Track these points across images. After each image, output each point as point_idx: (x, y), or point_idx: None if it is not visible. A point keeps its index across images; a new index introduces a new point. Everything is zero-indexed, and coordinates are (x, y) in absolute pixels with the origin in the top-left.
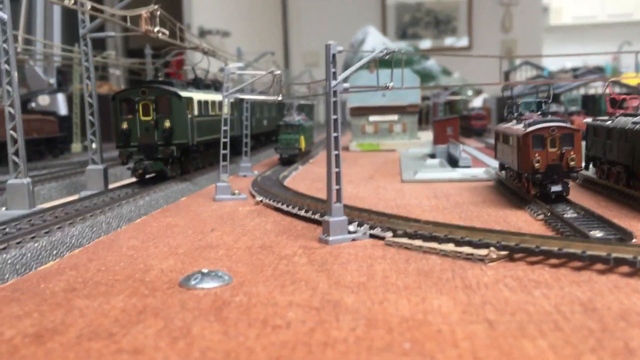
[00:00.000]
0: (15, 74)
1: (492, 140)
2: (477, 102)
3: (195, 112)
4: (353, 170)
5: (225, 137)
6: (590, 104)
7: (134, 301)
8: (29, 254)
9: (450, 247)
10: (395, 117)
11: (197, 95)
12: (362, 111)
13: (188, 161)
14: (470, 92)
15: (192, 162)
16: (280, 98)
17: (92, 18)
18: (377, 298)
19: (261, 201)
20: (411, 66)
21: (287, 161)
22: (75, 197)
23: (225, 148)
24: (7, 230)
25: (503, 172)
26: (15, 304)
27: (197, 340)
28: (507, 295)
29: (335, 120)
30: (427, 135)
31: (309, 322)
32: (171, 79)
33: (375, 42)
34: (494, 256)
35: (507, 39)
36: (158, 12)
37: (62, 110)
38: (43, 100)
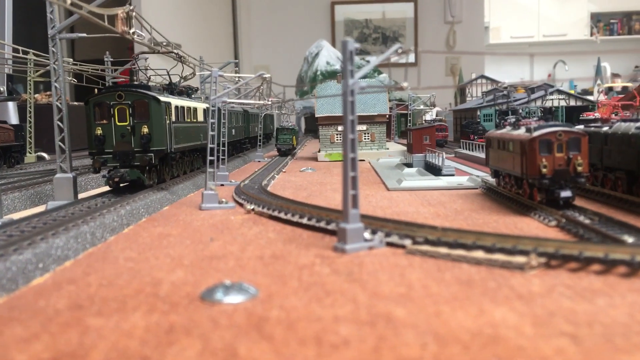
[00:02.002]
0: None
1: (461, 150)
2: (428, 115)
3: (173, 118)
4: (333, 179)
5: (212, 142)
6: (547, 116)
7: (156, 319)
8: (15, 268)
9: (480, 254)
10: (363, 127)
11: (175, 101)
12: (331, 120)
13: (164, 169)
14: (421, 105)
15: (168, 171)
16: (269, 102)
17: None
18: (430, 310)
19: (253, 209)
20: (366, 79)
21: (284, 153)
22: (41, 207)
23: (212, 154)
24: None
25: (494, 179)
26: (17, 325)
27: None
28: (570, 306)
29: (352, 121)
30: (392, 146)
31: (370, 339)
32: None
33: (330, 55)
34: (535, 264)
35: (451, 55)
36: (134, 13)
37: (13, 119)
38: None
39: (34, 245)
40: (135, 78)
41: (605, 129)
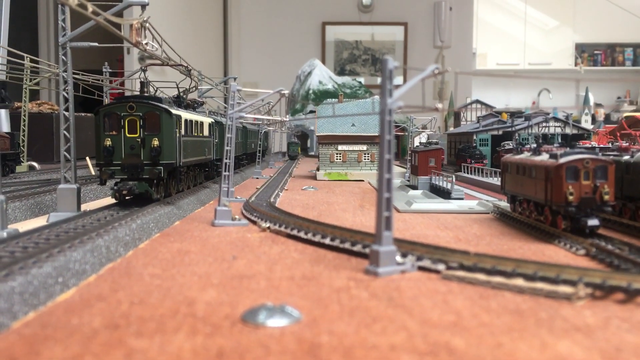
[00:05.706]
0: None
1: (463, 174)
2: (422, 138)
3: (183, 132)
4: (338, 198)
5: (227, 157)
6: (543, 143)
7: (201, 341)
8: (36, 282)
9: (521, 282)
10: (364, 147)
11: (185, 114)
12: (331, 139)
13: (171, 183)
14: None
15: (175, 185)
16: (287, 118)
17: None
18: (489, 341)
19: (269, 228)
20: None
21: (292, 158)
22: (42, 218)
23: (227, 170)
24: None
25: (509, 204)
26: (54, 344)
27: None
28: (634, 340)
29: (389, 141)
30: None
31: None
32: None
33: (322, 75)
34: (583, 294)
35: (438, 80)
36: (147, 24)
37: (5, 127)
38: None
39: (53, 259)
40: (145, 90)
41: (627, 157)
